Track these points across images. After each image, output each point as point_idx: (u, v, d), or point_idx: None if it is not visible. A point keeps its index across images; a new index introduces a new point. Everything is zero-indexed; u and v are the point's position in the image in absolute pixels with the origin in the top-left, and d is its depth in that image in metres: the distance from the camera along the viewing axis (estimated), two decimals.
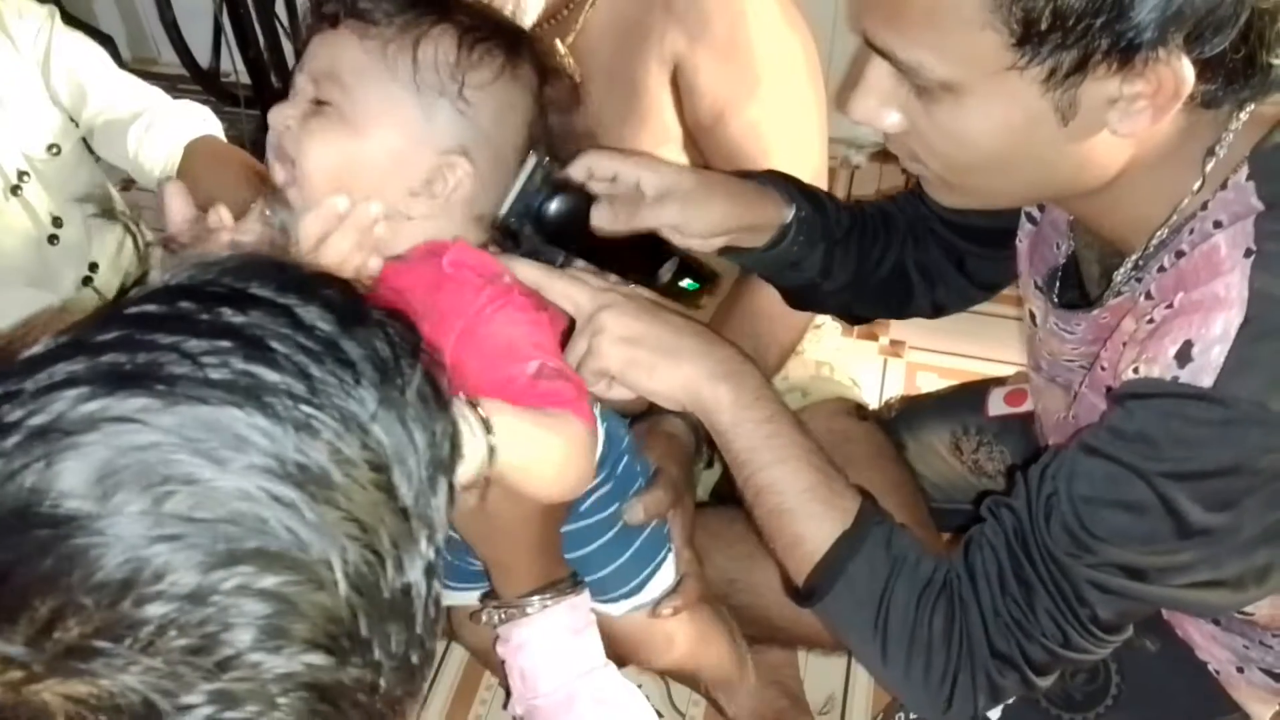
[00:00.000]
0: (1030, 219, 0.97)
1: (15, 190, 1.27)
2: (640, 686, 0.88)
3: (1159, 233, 0.76)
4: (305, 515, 0.43)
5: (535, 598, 0.84)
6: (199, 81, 2.55)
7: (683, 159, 1.19)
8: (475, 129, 0.82)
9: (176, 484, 0.41)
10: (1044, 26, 0.64)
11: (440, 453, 0.50)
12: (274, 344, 0.45)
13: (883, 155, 2.53)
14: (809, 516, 0.85)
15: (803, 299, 1.11)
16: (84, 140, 1.35)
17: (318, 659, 0.43)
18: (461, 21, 0.82)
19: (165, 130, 1.28)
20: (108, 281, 1.41)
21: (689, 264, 0.95)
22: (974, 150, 0.73)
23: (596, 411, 0.97)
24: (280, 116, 0.82)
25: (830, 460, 0.88)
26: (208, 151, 1.28)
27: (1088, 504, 0.74)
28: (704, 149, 1.17)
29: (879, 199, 1.11)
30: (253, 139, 2.34)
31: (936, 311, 1.13)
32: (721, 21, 1.09)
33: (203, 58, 2.53)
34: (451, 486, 0.51)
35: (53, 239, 1.32)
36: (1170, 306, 0.72)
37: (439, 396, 0.50)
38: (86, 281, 1.38)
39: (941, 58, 0.69)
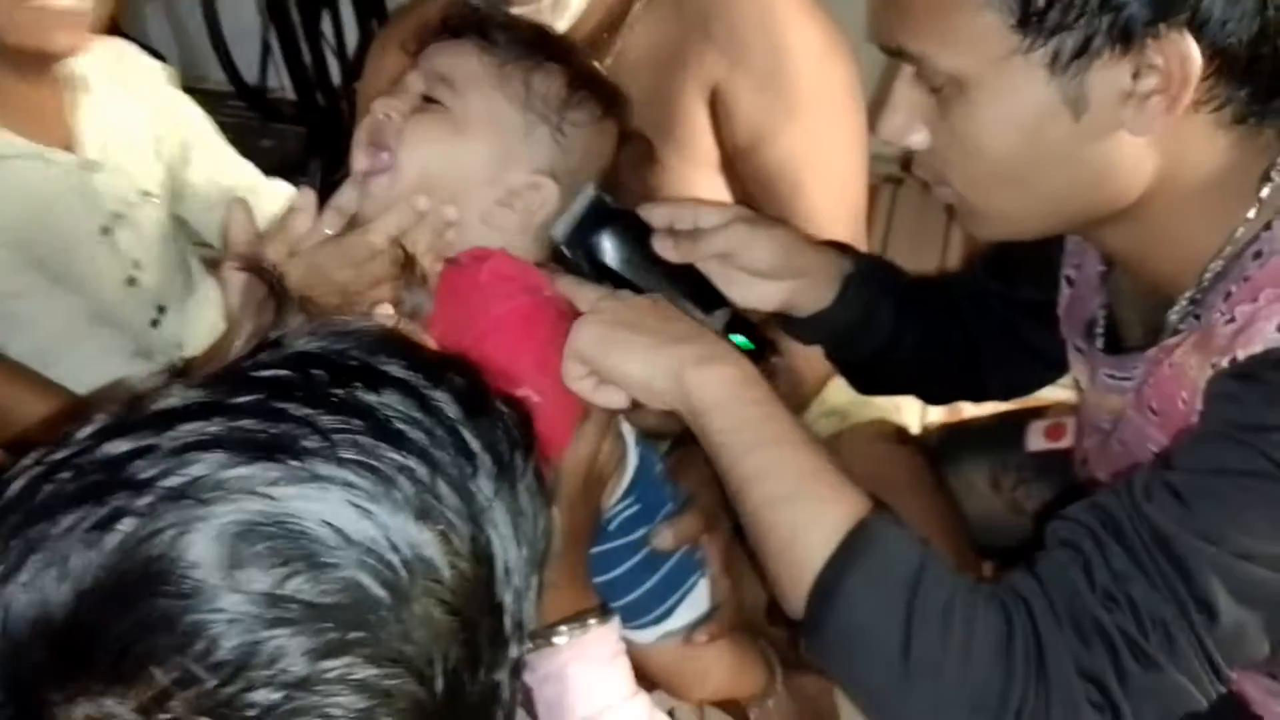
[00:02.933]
0: (1069, 282, 0.93)
1: (106, 231, 1.29)
2: (674, 712, 0.86)
3: (1213, 265, 0.73)
4: (414, 608, 0.43)
5: (563, 628, 0.83)
6: (245, 98, 2.59)
7: (719, 184, 1.18)
8: (564, 160, 0.88)
9: (299, 565, 0.42)
10: (1042, 4, 0.65)
11: (539, 550, 0.50)
12: (403, 427, 0.46)
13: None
14: (811, 500, 0.72)
15: (875, 375, 1.05)
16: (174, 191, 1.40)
17: None
18: (573, 65, 0.89)
19: (260, 208, 1.32)
20: (176, 326, 1.43)
21: (743, 319, 0.93)
22: (989, 155, 0.71)
23: (630, 436, 0.97)
24: (384, 106, 0.87)
25: (834, 459, 0.77)
26: None
27: (1199, 476, 0.66)
28: (741, 175, 1.16)
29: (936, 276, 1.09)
30: (298, 156, 2.37)
31: (1010, 392, 1.10)
32: (761, 48, 1.08)
33: (250, 75, 2.56)
34: (543, 584, 0.51)
35: (131, 280, 1.34)
36: (1255, 300, 0.69)
37: (544, 493, 0.51)
38: (154, 323, 1.40)
39: (945, 45, 0.69)
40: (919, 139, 0.75)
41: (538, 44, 0.89)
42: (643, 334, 0.79)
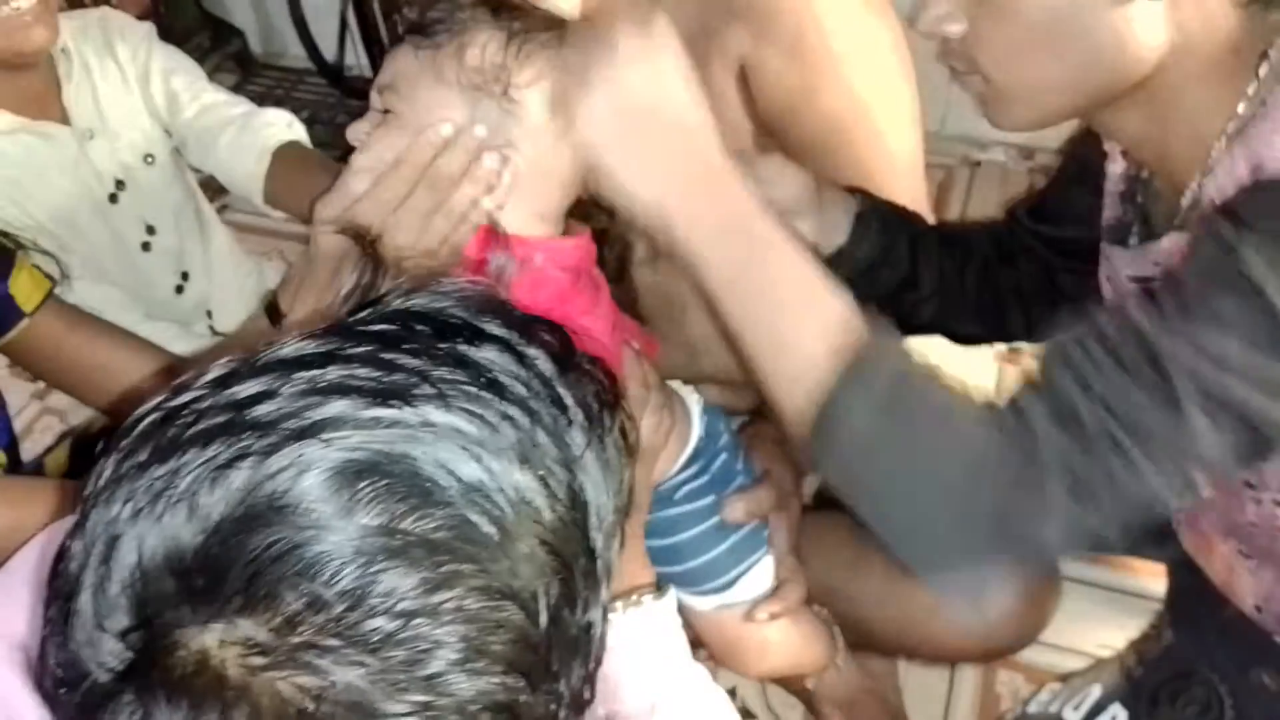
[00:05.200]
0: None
1: (113, 198, 1.34)
2: (737, 688, 0.87)
3: (1218, 145, 0.74)
4: (519, 546, 0.46)
5: (619, 603, 0.83)
6: (324, 75, 2.63)
7: None
8: (523, 122, 0.84)
9: (414, 501, 0.44)
10: None
11: (623, 501, 0.53)
12: (503, 379, 0.49)
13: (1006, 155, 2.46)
14: (807, 318, 0.73)
15: (899, 313, 1.07)
16: (177, 150, 1.42)
17: (513, 682, 0.45)
18: (511, 17, 0.84)
19: (254, 136, 1.34)
20: (200, 290, 1.48)
21: None
22: (1024, 23, 0.73)
23: (696, 408, 0.98)
24: (353, 131, 0.86)
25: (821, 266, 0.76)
26: (295, 156, 1.34)
27: (1185, 290, 0.68)
28: (783, 141, 1.14)
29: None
30: None
31: (1031, 333, 1.09)
32: (786, 14, 1.06)
33: (329, 52, 2.60)
34: (624, 536, 0.54)
35: (145, 246, 1.39)
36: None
37: (629, 448, 0.54)
38: (179, 290, 1.45)
39: None
40: (955, 25, 0.76)
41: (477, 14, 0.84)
42: (647, 140, 0.75)
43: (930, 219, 1.10)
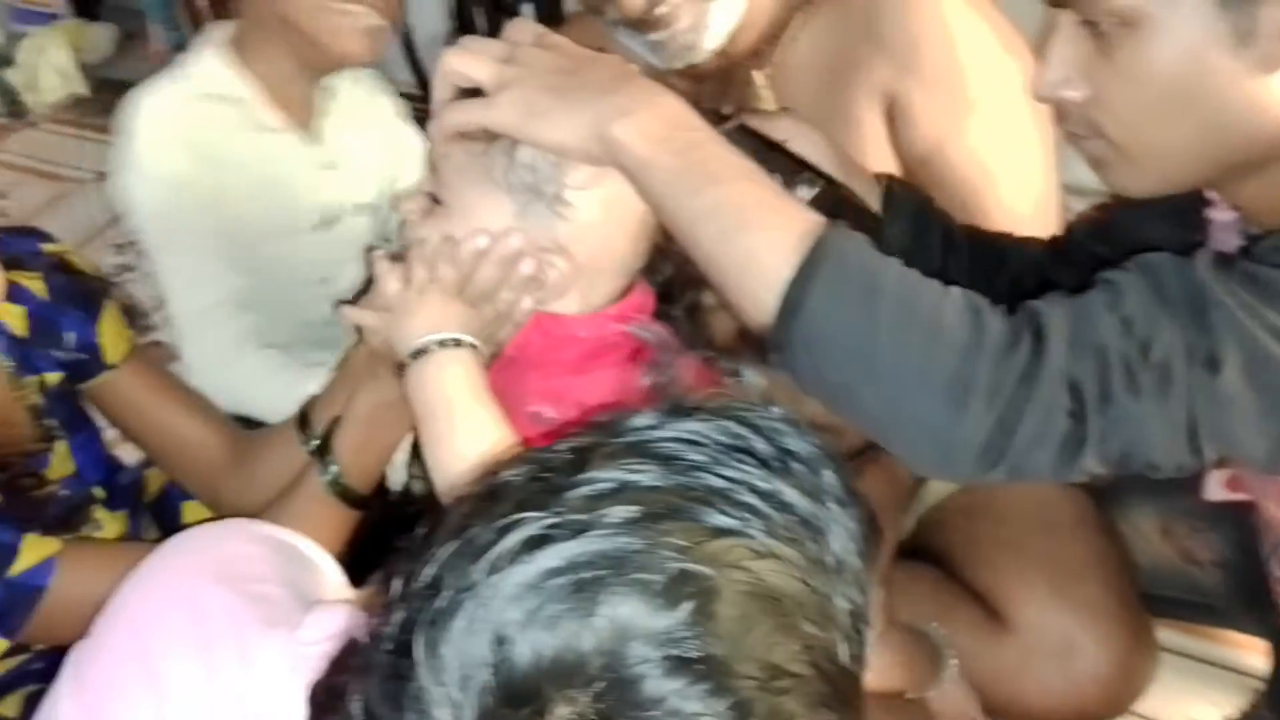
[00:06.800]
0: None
1: (316, 229, 1.38)
2: None
3: None
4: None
5: None
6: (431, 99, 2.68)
7: None
8: (576, 228, 0.84)
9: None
10: None
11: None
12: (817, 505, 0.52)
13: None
14: (763, 228, 0.72)
15: None
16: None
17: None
18: None
19: None
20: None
21: (830, 190, 0.93)
22: (1152, 89, 0.72)
23: None
24: (406, 206, 0.86)
25: (778, 187, 0.77)
26: None
27: (1254, 262, 0.69)
28: (923, 181, 1.13)
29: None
30: None
31: None
32: (931, 49, 1.06)
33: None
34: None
35: (323, 281, 1.43)
36: None
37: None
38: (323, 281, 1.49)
39: None
40: (1076, 91, 0.75)
41: None
42: (560, 95, 0.76)
43: None
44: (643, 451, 0.50)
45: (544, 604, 0.45)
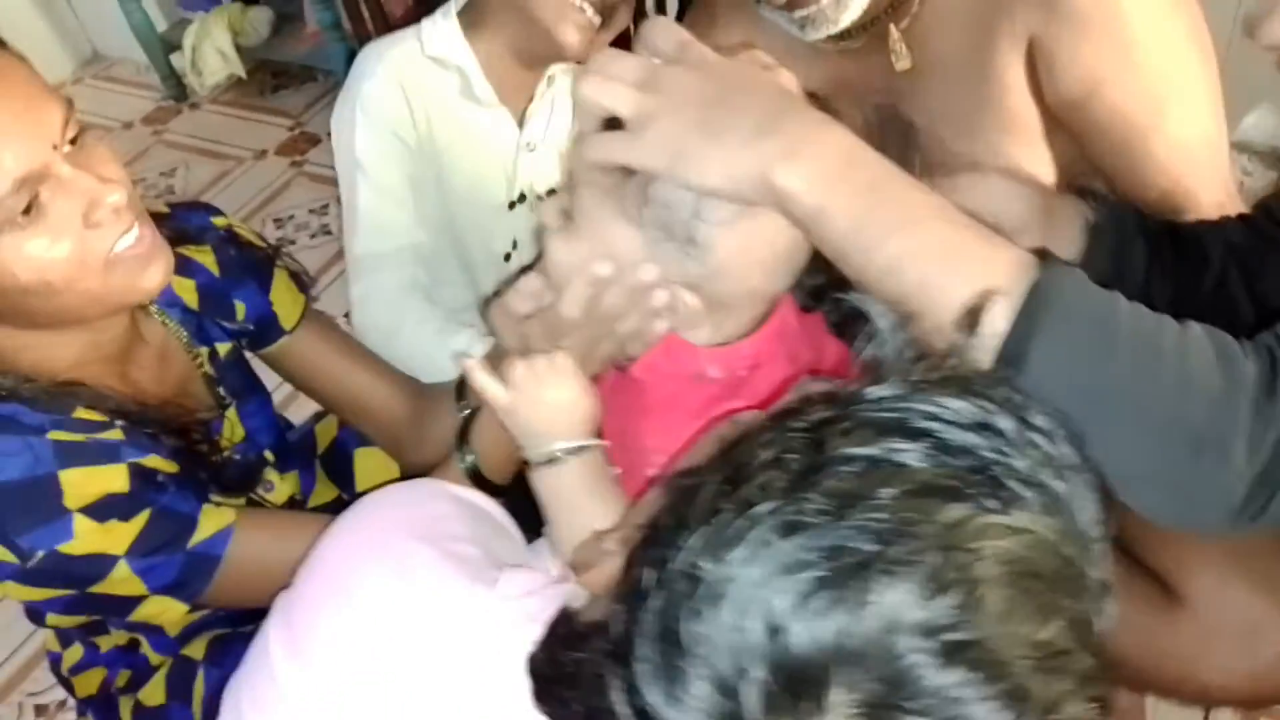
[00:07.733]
0: None
1: (512, 206, 1.43)
2: None
3: None
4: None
5: None
6: None
7: (1042, 155, 1.11)
8: (705, 267, 0.82)
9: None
10: None
11: None
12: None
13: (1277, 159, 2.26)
14: (971, 274, 0.63)
15: None
16: None
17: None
18: None
19: None
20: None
21: None
22: None
23: None
24: (546, 212, 0.85)
25: (972, 218, 0.67)
26: None
27: None
28: (1074, 128, 1.07)
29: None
30: None
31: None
32: None
33: None
34: None
35: (508, 257, 1.46)
36: None
37: None
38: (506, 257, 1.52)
39: None
40: None
41: None
42: (711, 135, 0.68)
43: (1238, 210, 1.02)
44: (888, 428, 0.48)
45: (813, 592, 0.44)
